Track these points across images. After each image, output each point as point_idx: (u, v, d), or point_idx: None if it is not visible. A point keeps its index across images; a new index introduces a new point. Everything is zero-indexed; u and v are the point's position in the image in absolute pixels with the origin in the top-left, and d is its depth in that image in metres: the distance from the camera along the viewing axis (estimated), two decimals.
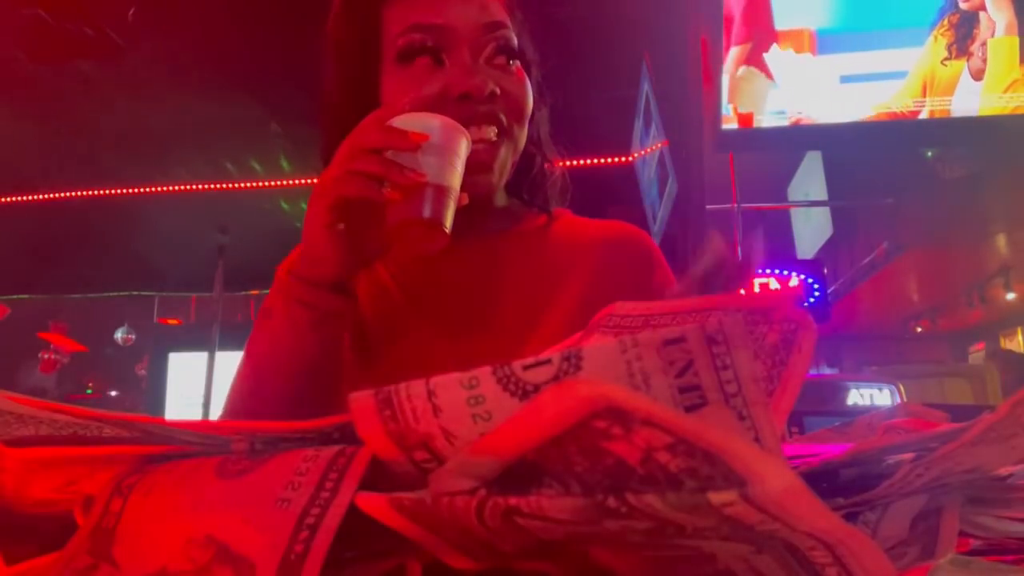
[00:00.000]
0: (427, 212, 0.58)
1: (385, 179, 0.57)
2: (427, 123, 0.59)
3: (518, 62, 0.75)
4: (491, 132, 0.71)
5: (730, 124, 3.27)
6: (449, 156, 0.60)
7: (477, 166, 0.68)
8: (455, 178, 0.60)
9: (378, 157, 0.58)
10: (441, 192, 0.59)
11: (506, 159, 0.74)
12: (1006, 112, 2.97)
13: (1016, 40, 2.92)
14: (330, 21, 0.77)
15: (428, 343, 0.77)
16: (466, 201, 0.62)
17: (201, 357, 5.22)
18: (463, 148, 0.61)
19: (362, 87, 0.73)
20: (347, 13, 0.75)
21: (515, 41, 0.74)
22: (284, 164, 4.78)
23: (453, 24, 0.70)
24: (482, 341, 0.76)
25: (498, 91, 0.70)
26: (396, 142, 0.57)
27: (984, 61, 2.95)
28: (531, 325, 0.76)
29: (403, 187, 0.58)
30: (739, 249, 4.09)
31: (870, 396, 3.39)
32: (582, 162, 4.18)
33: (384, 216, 0.60)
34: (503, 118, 0.72)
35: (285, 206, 5.35)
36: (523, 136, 0.76)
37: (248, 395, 0.67)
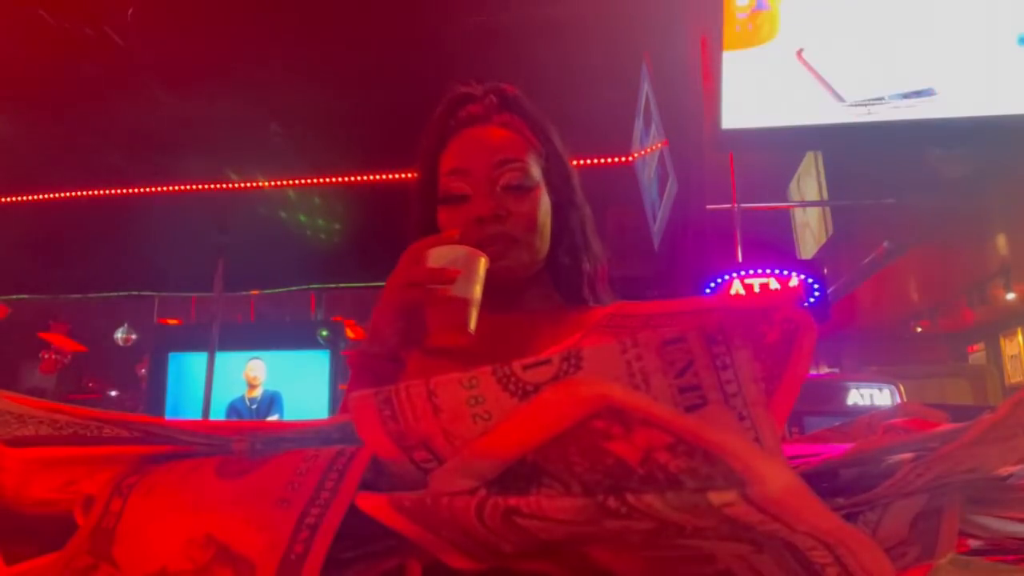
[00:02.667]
0: (456, 320, 0.82)
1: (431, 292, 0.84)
2: (457, 252, 0.84)
3: (530, 187, 0.97)
4: (499, 243, 0.93)
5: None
6: (471, 276, 0.83)
7: (494, 256, 0.90)
8: (475, 291, 0.83)
9: (427, 275, 0.84)
10: (465, 303, 0.82)
11: (519, 259, 0.95)
12: None
13: None
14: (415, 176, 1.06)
15: None
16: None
17: (201, 357, 5.22)
18: (482, 266, 0.84)
19: (428, 219, 1.00)
20: (420, 168, 1.03)
21: (526, 171, 0.97)
22: (283, 165, 4.78)
23: (472, 166, 0.95)
24: None
25: (503, 213, 0.93)
26: (437, 279, 0.83)
27: None
28: None
29: (442, 303, 0.83)
30: (739, 249, 4.09)
31: (870, 396, 3.39)
32: (582, 162, 4.17)
33: (426, 317, 0.84)
34: (514, 233, 0.94)
35: (285, 206, 5.35)
36: (538, 241, 0.97)
37: None
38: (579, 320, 0.98)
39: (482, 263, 0.85)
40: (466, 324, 0.83)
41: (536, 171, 0.98)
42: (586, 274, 1.03)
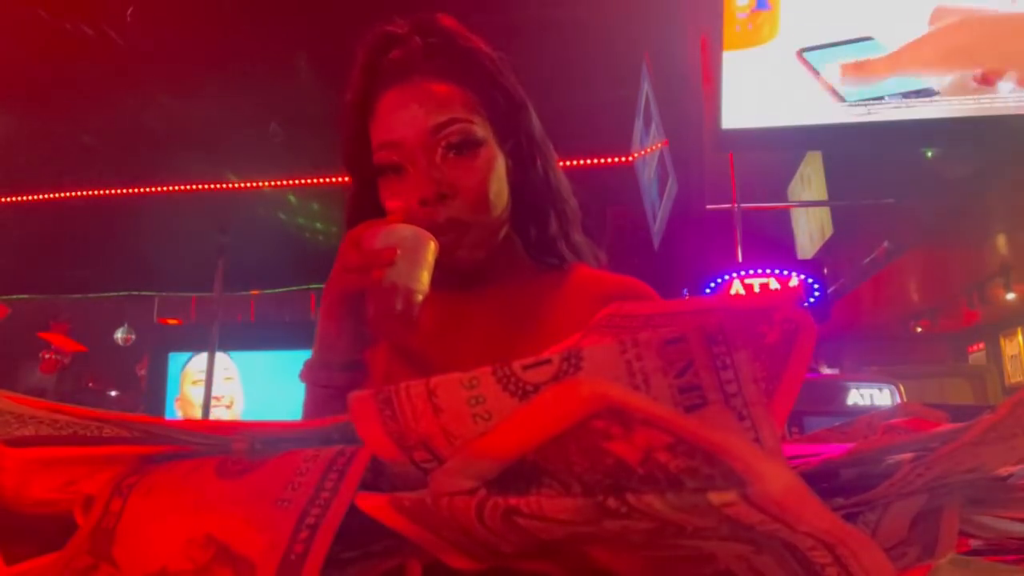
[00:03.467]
0: (398, 306, 0.72)
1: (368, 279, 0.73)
2: (403, 233, 0.74)
3: (476, 146, 0.84)
4: (451, 233, 0.81)
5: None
6: (417, 260, 0.74)
7: (448, 248, 0.79)
8: (422, 277, 0.74)
9: (361, 261, 0.73)
10: (408, 291, 0.72)
11: (476, 243, 0.84)
12: None
13: None
14: (340, 144, 0.92)
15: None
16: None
17: (201, 357, 5.22)
18: (430, 251, 0.75)
19: (366, 198, 0.88)
20: (345, 135, 0.90)
21: (468, 131, 0.83)
22: (283, 165, 4.78)
23: (405, 136, 0.82)
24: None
25: (448, 191, 0.81)
26: (375, 261, 0.72)
27: None
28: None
29: (380, 289, 0.72)
30: (739, 249, 4.09)
31: (870, 396, 3.39)
32: (582, 162, 4.17)
33: (366, 306, 0.74)
34: (463, 216, 0.82)
35: (285, 206, 5.35)
36: (494, 214, 0.85)
37: None
38: (553, 296, 0.89)
39: (431, 247, 0.75)
40: (409, 314, 0.72)
41: (481, 126, 0.85)
42: (554, 233, 0.91)
